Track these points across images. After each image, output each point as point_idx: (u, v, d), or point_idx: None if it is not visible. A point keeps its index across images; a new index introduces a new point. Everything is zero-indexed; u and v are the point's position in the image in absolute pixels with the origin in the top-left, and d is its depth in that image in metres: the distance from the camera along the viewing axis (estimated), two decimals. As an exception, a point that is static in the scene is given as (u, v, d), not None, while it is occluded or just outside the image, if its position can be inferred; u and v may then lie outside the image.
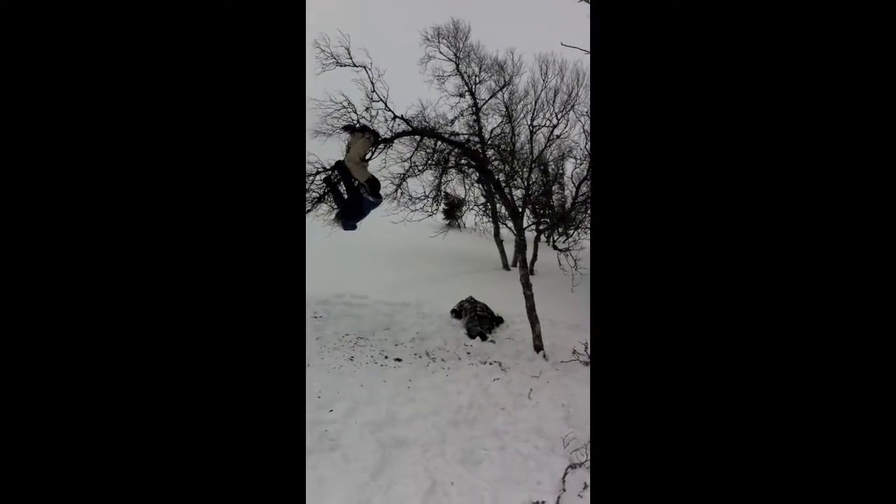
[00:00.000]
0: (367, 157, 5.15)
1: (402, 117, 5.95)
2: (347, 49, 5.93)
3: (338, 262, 9.19)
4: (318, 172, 5.95)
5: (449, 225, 12.35)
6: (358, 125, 5.53)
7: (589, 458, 3.33)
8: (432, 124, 7.12)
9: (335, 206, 5.35)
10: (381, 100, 5.88)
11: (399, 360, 5.56)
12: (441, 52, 9.75)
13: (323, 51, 6.04)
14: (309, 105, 6.40)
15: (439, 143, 6.61)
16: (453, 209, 12.94)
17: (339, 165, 4.85)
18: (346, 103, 5.94)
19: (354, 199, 4.69)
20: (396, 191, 7.23)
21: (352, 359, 5.46)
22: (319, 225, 6.18)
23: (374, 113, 5.88)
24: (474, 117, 9.45)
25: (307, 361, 5.15)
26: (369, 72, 5.86)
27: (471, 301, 7.25)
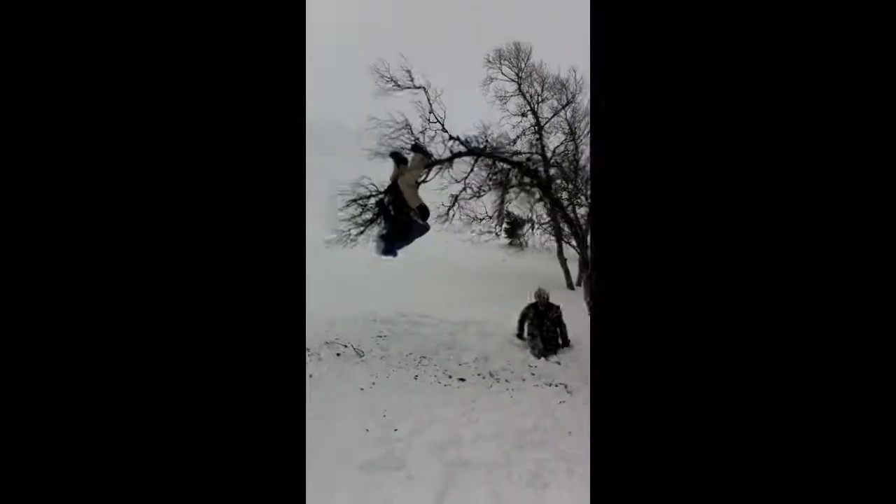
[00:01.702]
0: (421, 179, 5.14)
1: (457, 138, 5.96)
2: (409, 71, 6.09)
3: (399, 281, 9.36)
4: (370, 196, 6.05)
5: (511, 244, 12.26)
6: (412, 145, 5.60)
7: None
8: (494, 144, 7.16)
9: (385, 229, 5.30)
10: (439, 121, 5.93)
11: (463, 379, 5.55)
12: (503, 73, 9.85)
13: (382, 76, 6.24)
14: (368, 125, 6.58)
15: (498, 162, 6.61)
16: (515, 228, 12.87)
17: (393, 188, 4.83)
18: (403, 124, 6.04)
19: (404, 222, 4.67)
20: (448, 211, 7.25)
21: (416, 377, 5.50)
22: (372, 249, 6.32)
23: (431, 135, 5.95)
24: (537, 136, 9.42)
25: (372, 380, 5.26)
26: (427, 93, 5.96)
27: (536, 321, 7.12)
